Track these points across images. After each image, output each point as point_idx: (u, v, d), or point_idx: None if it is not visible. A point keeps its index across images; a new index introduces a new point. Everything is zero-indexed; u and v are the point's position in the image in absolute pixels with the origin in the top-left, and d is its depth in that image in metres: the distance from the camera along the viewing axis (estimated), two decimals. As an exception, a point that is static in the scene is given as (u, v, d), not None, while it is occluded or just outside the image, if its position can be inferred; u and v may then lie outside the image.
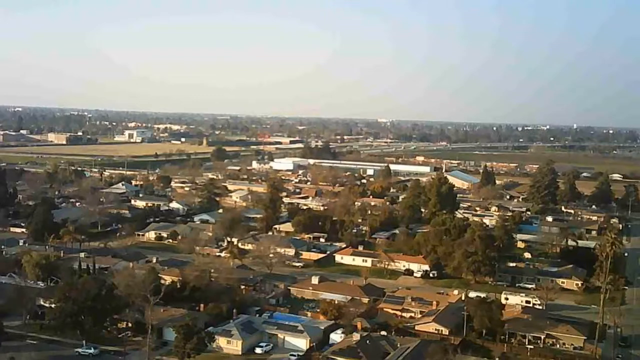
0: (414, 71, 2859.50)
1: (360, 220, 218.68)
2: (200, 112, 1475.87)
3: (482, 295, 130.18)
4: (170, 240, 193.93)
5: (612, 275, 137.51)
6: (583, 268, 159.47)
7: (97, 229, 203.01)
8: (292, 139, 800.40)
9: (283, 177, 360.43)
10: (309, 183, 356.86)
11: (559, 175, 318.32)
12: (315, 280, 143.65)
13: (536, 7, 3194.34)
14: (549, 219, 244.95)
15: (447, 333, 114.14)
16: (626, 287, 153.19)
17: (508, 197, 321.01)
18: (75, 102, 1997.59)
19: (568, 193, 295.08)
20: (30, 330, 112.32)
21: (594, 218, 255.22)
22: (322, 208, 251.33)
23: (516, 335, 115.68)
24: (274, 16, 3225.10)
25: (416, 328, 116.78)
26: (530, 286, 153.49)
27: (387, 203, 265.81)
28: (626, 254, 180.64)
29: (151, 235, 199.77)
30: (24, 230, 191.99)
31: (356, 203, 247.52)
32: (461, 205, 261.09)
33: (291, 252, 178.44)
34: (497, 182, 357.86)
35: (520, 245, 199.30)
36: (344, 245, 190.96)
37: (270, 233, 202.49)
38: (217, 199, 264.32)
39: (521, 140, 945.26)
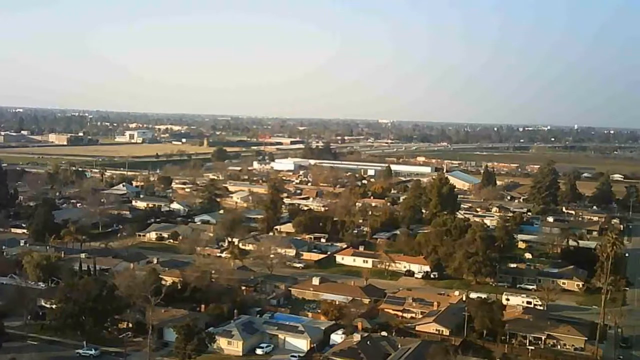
0: (415, 71, 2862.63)
1: (361, 221, 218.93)
2: (201, 112, 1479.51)
3: (483, 296, 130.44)
4: (171, 241, 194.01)
5: (613, 276, 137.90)
6: (584, 269, 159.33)
7: (98, 230, 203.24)
8: (292, 139, 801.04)
9: (284, 178, 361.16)
10: (309, 184, 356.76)
11: (560, 176, 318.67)
12: (316, 281, 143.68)
13: (536, 7, 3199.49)
14: (550, 219, 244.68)
15: (447, 334, 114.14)
16: (627, 288, 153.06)
17: (509, 197, 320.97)
18: (76, 102, 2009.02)
19: (569, 193, 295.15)
20: (31, 331, 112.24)
21: (595, 219, 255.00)
22: (322, 209, 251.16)
23: (517, 336, 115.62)
24: (274, 16, 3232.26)
25: (417, 329, 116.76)
26: (531, 287, 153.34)
27: (388, 204, 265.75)
28: (627, 255, 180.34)
29: (152, 236, 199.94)
30: (24, 230, 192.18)
31: (357, 204, 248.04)
32: (462, 205, 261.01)
33: (292, 252, 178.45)
34: (498, 182, 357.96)
35: (521, 245, 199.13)
36: (345, 246, 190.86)
37: (271, 234, 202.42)
38: (218, 199, 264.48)
39: (522, 140, 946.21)
